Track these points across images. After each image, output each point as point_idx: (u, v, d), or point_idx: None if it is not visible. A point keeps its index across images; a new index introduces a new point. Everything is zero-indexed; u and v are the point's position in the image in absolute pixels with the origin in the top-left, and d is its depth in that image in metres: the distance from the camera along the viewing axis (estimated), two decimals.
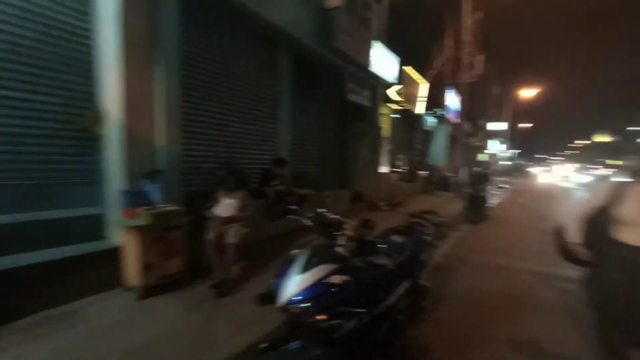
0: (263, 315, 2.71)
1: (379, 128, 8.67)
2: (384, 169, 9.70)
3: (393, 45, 8.86)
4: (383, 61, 8.09)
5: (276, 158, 5.30)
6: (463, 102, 14.62)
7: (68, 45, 3.13)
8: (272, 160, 5.26)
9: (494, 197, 11.63)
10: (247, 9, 4.57)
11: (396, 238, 2.53)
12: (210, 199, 3.65)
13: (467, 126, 17.09)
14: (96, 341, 2.37)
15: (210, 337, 2.52)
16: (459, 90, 14.77)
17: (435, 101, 14.02)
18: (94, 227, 3.34)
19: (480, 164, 13.05)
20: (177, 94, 3.72)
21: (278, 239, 4.82)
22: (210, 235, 3.41)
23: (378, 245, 1.87)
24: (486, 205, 8.60)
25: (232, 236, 3.42)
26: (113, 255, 3.16)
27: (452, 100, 15.38)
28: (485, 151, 29.90)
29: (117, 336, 2.44)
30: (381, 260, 2.02)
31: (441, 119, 15.37)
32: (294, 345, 1.49)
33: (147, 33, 3.39)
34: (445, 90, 14.87)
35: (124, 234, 3.14)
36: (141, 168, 3.32)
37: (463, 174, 12.63)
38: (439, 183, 14.25)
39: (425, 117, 14.11)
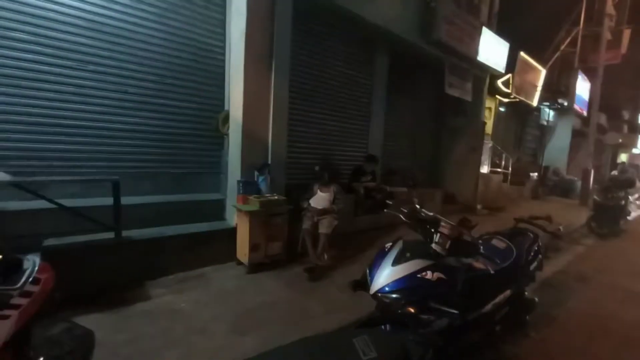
0: (350, 302, 2.91)
1: (482, 123, 7.86)
2: (484, 168, 8.77)
3: (503, 29, 7.88)
4: (490, 49, 7.29)
5: (368, 155, 5.41)
6: (595, 90, 11.89)
7: (206, 62, 3.94)
8: (364, 157, 5.39)
9: (637, 209, 9.23)
10: (350, 13, 4.77)
11: (499, 243, 2.35)
12: (307, 191, 4.01)
13: (601, 119, 13.95)
14: (219, 300, 2.93)
15: (306, 312, 2.84)
16: (590, 75, 12.08)
17: (557, 90, 11.86)
18: (217, 209, 4.07)
19: (624, 167, 10.42)
20: (285, 97, 4.17)
21: (364, 234, 4.95)
22: (306, 224, 3.75)
23: (478, 248, 1.79)
24: (624, 217, 6.94)
25: (325, 227, 3.69)
26: (230, 234, 3.79)
27: (582, 88, 12.71)
28: (635, 150, 23.76)
29: (234, 299, 2.96)
30: (479, 264, 1.93)
31: (564, 111, 12.88)
32: (387, 327, 1.59)
33: (265, 46, 3.89)
34: (573, 77, 12.35)
35: (238, 217, 3.73)
36: (254, 162, 3.88)
37: (591, 178, 10.40)
38: (556, 187, 12.08)
39: (542, 109, 12.09)
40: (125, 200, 3.14)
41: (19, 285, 0.82)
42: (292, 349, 1.13)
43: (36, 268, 0.89)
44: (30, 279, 0.86)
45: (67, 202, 2.88)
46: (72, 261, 2.69)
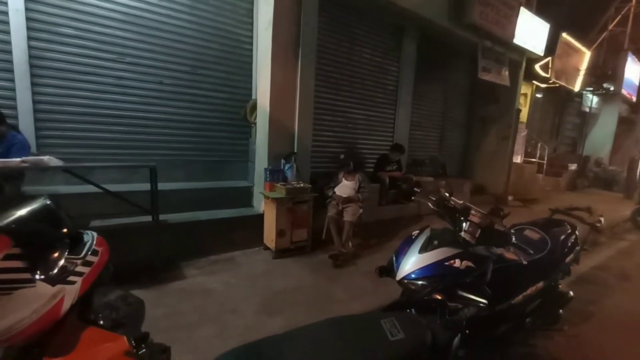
0: (374, 289, 2.97)
1: (516, 111, 7.45)
2: (517, 158, 8.36)
3: (544, 8, 7.36)
4: (528, 30, 6.82)
5: (394, 144, 5.32)
6: None
7: (235, 51, 4.04)
8: (390, 146, 5.32)
9: None
10: None
11: (532, 233, 2.27)
12: (333, 179, 4.04)
13: None
14: (248, 283, 3.07)
15: (330, 296, 2.92)
16: None
17: (602, 74, 10.94)
18: (245, 196, 4.22)
19: None
20: (311, 86, 4.17)
21: (388, 224, 4.93)
22: (331, 212, 3.79)
23: (509, 237, 1.75)
24: None
25: (350, 215, 3.72)
26: (257, 220, 3.91)
27: (631, 71, 11.61)
28: None
29: (262, 282, 3.09)
30: (511, 254, 1.88)
31: (610, 96, 11.86)
32: (412, 312, 1.60)
33: (292, 34, 3.89)
34: (622, 59, 11.29)
35: (265, 203, 3.84)
36: (280, 150, 3.95)
37: (639, 169, 9.62)
38: (597, 179, 11.31)
39: (584, 95, 11.23)
40: (160, 186, 3.32)
41: (81, 255, 0.92)
42: (321, 327, 1.18)
43: (94, 241, 0.99)
44: (90, 251, 0.95)
45: (109, 187, 3.09)
46: (115, 241, 2.90)
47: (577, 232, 2.43)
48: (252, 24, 4.06)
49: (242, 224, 3.89)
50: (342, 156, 4.30)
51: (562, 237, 2.29)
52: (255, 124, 4.13)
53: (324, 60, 4.59)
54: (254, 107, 4.10)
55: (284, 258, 3.66)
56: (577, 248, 2.37)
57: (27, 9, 2.96)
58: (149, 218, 3.10)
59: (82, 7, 3.16)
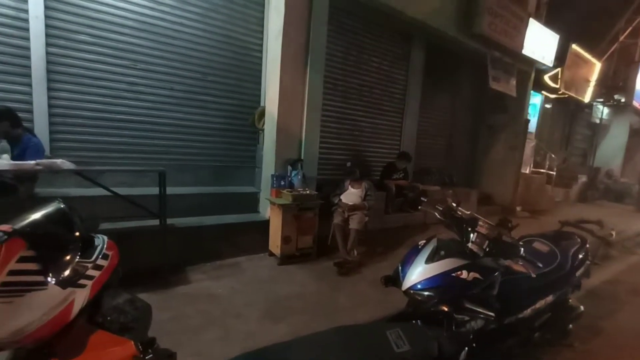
0: (379, 298, 2.93)
1: (525, 121, 7.40)
2: (526, 169, 8.27)
3: (553, 19, 7.33)
4: (537, 41, 6.80)
5: (401, 152, 5.32)
6: None
7: (245, 59, 4.12)
8: (397, 154, 5.31)
9: None
10: (388, 7, 4.64)
11: (541, 246, 2.24)
12: (339, 187, 4.04)
13: None
14: (252, 288, 3.07)
15: (335, 304, 2.90)
16: None
17: (613, 85, 10.82)
18: (251, 202, 4.24)
19: None
20: (319, 94, 4.20)
21: (394, 232, 4.90)
22: (337, 219, 3.78)
23: (518, 249, 1.72)
24: None
25: (356, 222, 3.71)
26: (262, 226, 3.92)
27: None
28: None
29: (266, 288, 3.09)
30: (519, 266, 1.85)
31: (621, 108, 11.70)
32: (418, 323, 1.58)
33: (301, 43, 3.94)
34: (633, 71, 11.15)
35: (271, 209, 3.85)
36: (287, 157, 3.98)
37: None
38: (608, 191, 11.10)
39: (594, 106, 11.11)
40: (169, 190, 3.35)
41: (92, 259, 0.93)
42: (327, 335, 1.17)
43: (105, 245, 1.01)
44: (101, 255, 0.97)
45: (118, 190, 3.14)
46: (122, 244, 2.93)
47: (587, 246, 2.38)
48: (262, 32, 4.14)
49: (248, 229, 3.90)
50: (348, 164, 4.31)
51: (572, 250, 2.25)
52: (263, 130, 4.17)
53: (332, 68, 4.63)
54: (262, 114, 4.15)
55: (289, 264, 3.65)
56: (588, 262, 2.32)
57: (46, 17, 3.06)
58: (156, 222, 3.12)
59: (98, 15, 3.26)
